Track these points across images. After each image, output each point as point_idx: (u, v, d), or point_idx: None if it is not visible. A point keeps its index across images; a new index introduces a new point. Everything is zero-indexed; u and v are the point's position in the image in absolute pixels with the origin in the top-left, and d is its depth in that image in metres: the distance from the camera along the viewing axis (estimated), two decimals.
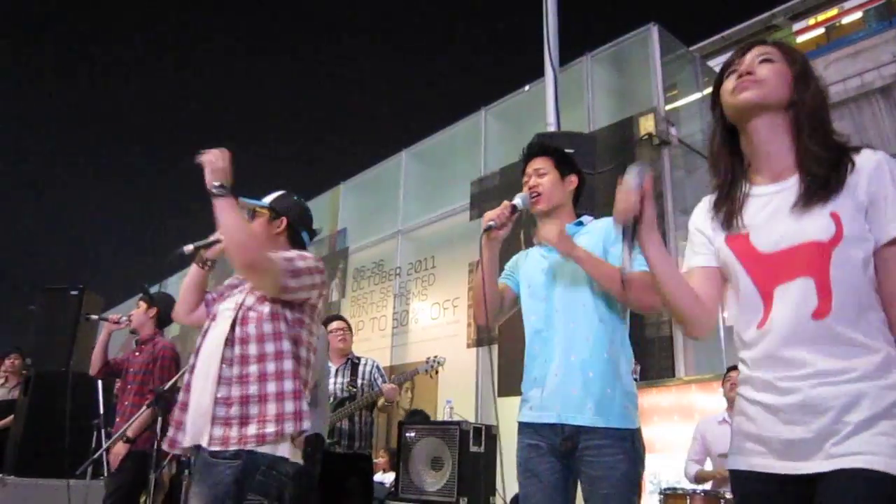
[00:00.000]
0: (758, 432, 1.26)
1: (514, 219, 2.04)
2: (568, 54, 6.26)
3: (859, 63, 8.72)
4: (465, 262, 7.24)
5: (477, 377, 6.58)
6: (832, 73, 7.83)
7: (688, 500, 3.29)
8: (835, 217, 1.22)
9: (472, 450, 4.09)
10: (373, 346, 7.81)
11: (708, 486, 3.72)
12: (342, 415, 3.93)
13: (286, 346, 1.99)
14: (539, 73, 6.00)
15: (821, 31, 9.71)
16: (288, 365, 1.97)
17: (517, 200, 2.06)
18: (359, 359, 4.25)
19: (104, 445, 3.38)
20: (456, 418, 4.66)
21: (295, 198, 2.36)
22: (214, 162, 1.96)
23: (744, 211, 1.34)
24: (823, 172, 1.25)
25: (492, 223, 2.00)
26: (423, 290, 7.81)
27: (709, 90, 6.77)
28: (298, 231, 2.31)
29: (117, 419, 3.75)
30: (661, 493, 3.41)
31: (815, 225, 1.23)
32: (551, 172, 2.14)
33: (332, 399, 3.97)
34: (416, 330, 7.72)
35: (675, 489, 3.41)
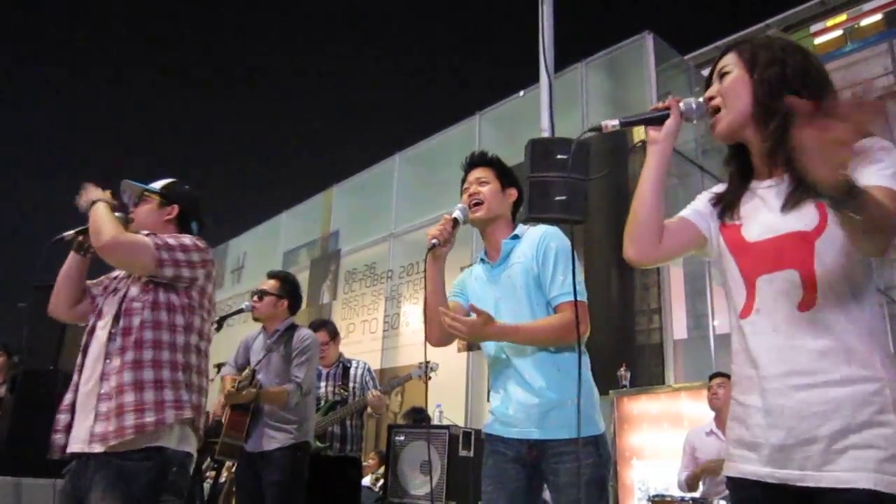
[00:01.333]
0: (745, 437, 1.26)
1: (456, 233, 2.04)
2: (563, 61, 6.29)
3: (851, 75, 8.80)
4: (457, 266, 7.22)
5: (467, 382, 6.58)
6: None
7: None
8: (820, 207, 1.21)
9: (461, 454, 4.09)
10: (363, 348, 7.80)
11: (698, 493, 3.72)
12: (333, 419, 3.91)
13: (166, 336, 1.93)
14: (534, 78, 6.00)
15: (839, 32, 9.72)
16: (166, 355, 1.91)
17: (457, 213, 2.05)
18: (350, 362, 4.23)
19: None
20: (446, 422, 4.66)
21: (186, 186, 2.29)
22: (83, 196, 2.04)
23: (741, 204, 1.36)
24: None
25: (435, 241, 1.98)
26: (414, 294, 7.81)
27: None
28: (189, 220, 2.24)
29: None
30: (649, 500, 3.42)
31: (800, 216, 1.23)
32: (492, 182, 2.13)
33: (322, 402, 3.95)
34: (407, 333, 7.71)
35: (663, 496, 3.42)
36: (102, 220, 1.95)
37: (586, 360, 1.99)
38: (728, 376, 3.46)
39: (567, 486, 1.83)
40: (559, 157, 5.13)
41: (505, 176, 2.17)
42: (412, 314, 7.77)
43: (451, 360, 6.61)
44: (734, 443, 1.30)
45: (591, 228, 5.59)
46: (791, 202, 1.25)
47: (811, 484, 1.14)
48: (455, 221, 2.03)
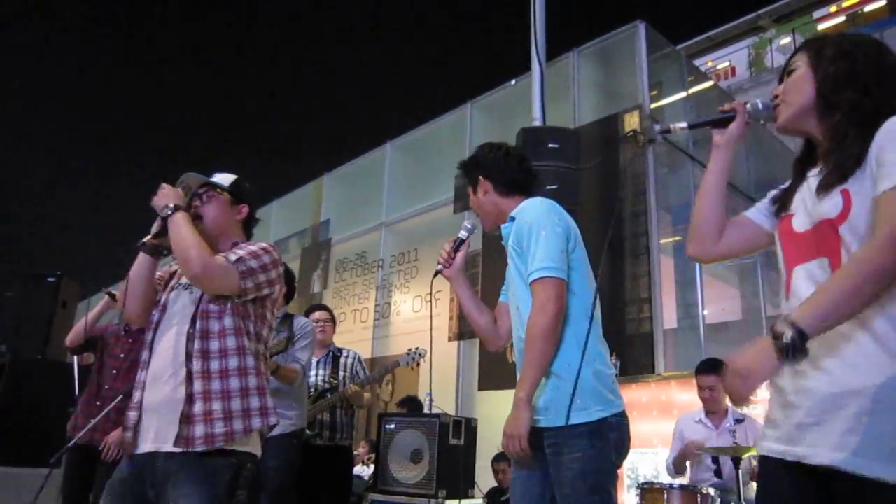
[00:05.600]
0: (771, 416, 1.30)
1: (462, 250, 2.09)
2: (555, 49, 6.27)
3: None
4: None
5: (458, 370, 6.59)
6: None
7: (665, 495, 3.32)
8: (844, 194, 1.23)
9: (452, 442, 4.10)
10: (354, 338, 7.79)
11: (686, 479, 3.75)
12: (323, 407, 3.91)
13: (247, 342, 1.91)
14: (526, 67, 5.99)
15: (842, 18, 9.65)
16: (250, 361, 1.89)
17: (462, 232, 2.10)
18: (340, 350, 4.23)
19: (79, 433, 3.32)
20: (436, 411, 4.67)
21: (247, 184, 2.21)
22: (159, 197, 1.95)
23: (795, 195, 1.40)
24: (839, 151, 1.27)
25: (438, 267, 2.08)
26: (405, 283, 7.80)
27: (694, 89, 6.81)
28: (252, 222, 2.17)
29: (97, 402, 3.44)
30: (638, 488, 3.44)
31: (828, 203, 1.26)
32: (471, 192, 2.13)
33: (312, 391, 3.95)
34: (398, 322, 7.71)
35: (652, 483, 3.44)
36: (187, 240, 1.86)
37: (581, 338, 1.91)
38: (719, 374, 3.46)
39: (558, 481, 1.80)
40: (550, 145, 5.14)
41: (469, 176, 2.15)
42: (403, 303, 7.76)
43: (442, 349, 6.62)
44: (765, 421, 1.34)
45: (583, 218, 5.59)
46: (822, 186, 1.28)
47: (825, 462, 1.15)
48: (458, 241, 2.07)
